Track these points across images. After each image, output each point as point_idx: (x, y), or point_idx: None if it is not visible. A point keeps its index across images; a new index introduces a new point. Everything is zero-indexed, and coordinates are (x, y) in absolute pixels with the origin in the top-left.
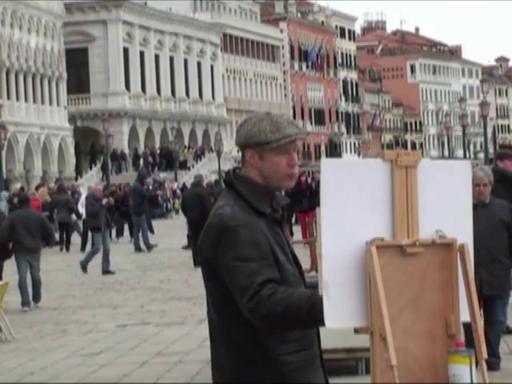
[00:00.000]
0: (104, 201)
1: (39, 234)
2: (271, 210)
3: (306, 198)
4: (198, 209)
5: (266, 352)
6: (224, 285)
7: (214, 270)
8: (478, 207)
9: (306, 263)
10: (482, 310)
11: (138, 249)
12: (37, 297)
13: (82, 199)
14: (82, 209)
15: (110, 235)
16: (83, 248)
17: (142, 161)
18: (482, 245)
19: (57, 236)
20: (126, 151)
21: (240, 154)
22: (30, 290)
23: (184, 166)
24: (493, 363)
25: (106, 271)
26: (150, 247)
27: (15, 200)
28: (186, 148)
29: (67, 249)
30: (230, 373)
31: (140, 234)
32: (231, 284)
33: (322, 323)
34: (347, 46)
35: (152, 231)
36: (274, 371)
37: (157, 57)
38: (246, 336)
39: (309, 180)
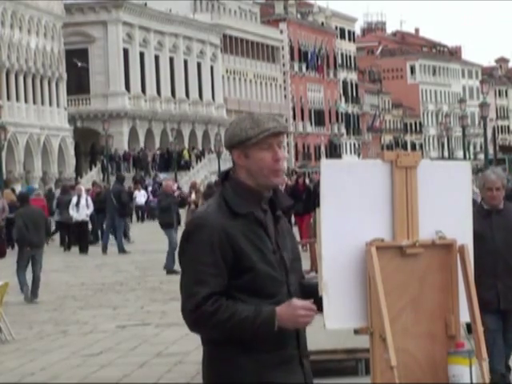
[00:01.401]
0: (176, 193)
1: (43, 229)
2: (260, 210)
3: (301, 201)
4: None
5: (239, 349)
6: None
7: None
8: (493, 214)
9: (305, 264)
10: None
11: (122, 250)
12: (34, 294)
13: (74, 201)
14: (72, 211)
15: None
16: (82, 250)
17: (150, 159)
18: (499, 255)
19: (57, 235)
20: (122, 152)
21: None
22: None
23: (187, 167)
24: (506, 377)
25: (171, 271)
26: (123, 250)
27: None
28: (186, 150)
29: (68, 248)
30: (205, 371)
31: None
32: (181, 282)
33: (271, 335)
34: (347, 47)
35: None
36: (245, 368)
37: (157, 58)
38: (221, 334)
39: (307, 182)
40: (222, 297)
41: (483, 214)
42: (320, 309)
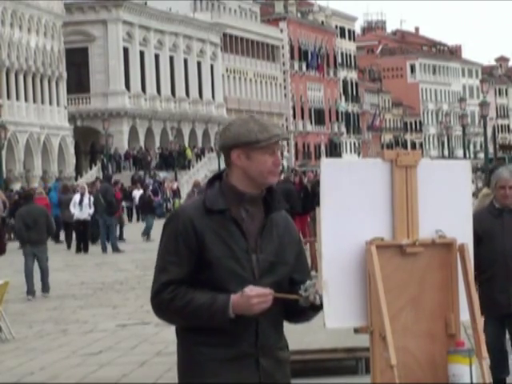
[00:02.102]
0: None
1: (45, 227)
2: (231, 209)
3: (298, 201)
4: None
5: (188, 339)
6: None
7: None
8: (504, 213)
9: None
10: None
11: (116, 249)
12: (45, 287)
13: (77, 199)
14: (73, 209)
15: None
16: (80, 249)
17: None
18: (510, 256)
19: (59, 235)
20: (122, 151)
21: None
22: (35, 287)
23: (188, 165)
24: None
25: None
26: (117, 250)
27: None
28: (188, 149)
29: (69, 247)
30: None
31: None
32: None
33: (225, 326)
34: (347, 46)
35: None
36: (195, 360)
37: (157, 57)
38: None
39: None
40: (182, 285)
41: (494, 214)
42: (297, 316)
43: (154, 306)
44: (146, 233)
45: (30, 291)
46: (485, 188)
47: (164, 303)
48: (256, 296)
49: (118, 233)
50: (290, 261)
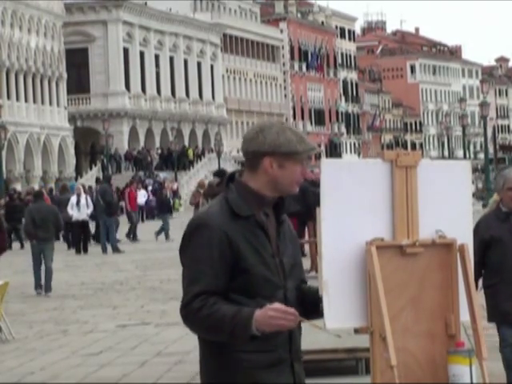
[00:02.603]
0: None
1: (53, 225)
2: (255, 214)
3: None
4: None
5: (228, 348)
6: None
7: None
8: None
9: (305, 264)
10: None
11: (115, 250)
12: (47, 287)
13: (74, 200)
14: (71, 211)
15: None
16: (79, 250)
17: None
18: None
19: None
20: (123, 151)
21: (241, 156)
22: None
23: (189, 166)
24: None
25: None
26: (117, 250)
27: (29, 197)
28: (190, 149)
29: (69, 247)
30: (202, 370)
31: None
32: (182, 280)
33: (246, 339)
34: (347, 47)
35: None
36: (234, 368)
37: (157, 57)
38: None
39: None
40: (212, 296)
41: (502, 218)
42: (318, 315)
43: (183, 316)
44: (162, 232)
45: (38, 285)
46: (495, 194)
47: (192, 312)
48: (273, 310)
49: (120, 233)
50: (301, 262)
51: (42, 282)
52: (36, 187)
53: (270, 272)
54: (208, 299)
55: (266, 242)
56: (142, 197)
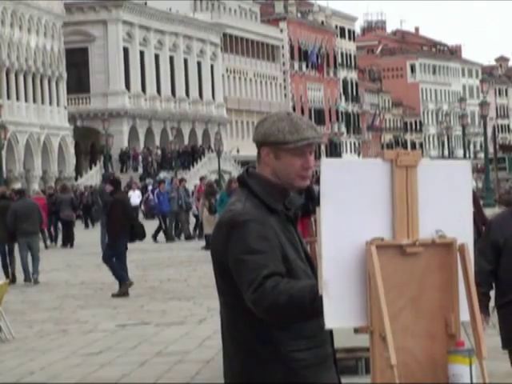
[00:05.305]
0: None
1: (38, 219)
2: (283, 208)
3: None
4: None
5: (277, 349)
6: (235, 283)
7: (225, 267)
8: None
9: None
10: None
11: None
12: (35, 271)
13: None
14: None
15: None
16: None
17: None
18: None
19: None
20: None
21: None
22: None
23: (189, 165)
24: None
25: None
26: None
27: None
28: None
29: (71, 245)
30: (240, 372)
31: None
32: (239, 277)
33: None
34: (347, 46)
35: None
36: (285, 368)
37: (157, 57)
38: (257, 333)
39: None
40: (283, 277)
41: None
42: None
43: (255, 300)
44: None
45: (27, 278)
46: None
47: (267, 291)
48: None
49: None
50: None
51: (31, 276)
52: (18, 186)
53: (304, 264)
54: (280, 278)
55: (295, 235)
56: (135, 197)
